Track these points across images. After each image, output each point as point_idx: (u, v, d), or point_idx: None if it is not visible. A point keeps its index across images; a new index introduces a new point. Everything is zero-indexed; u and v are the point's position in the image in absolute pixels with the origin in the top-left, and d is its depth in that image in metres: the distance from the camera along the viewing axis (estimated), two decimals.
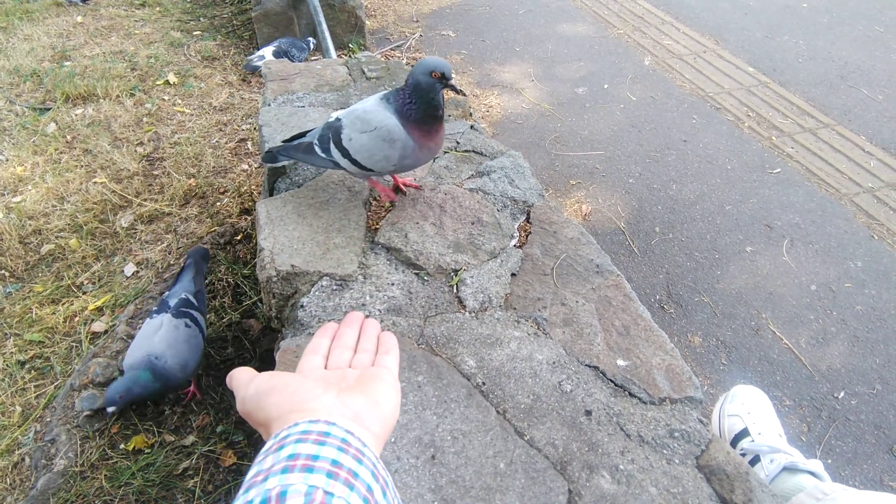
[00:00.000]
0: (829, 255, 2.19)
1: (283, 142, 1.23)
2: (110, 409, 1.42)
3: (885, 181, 2.55)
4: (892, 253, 2.20)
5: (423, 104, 1.02)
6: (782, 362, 1.84)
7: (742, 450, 1.14)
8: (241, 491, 0.41)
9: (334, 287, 1.06)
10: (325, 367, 0.61)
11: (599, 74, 3.34)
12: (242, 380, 0.55)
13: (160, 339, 1.44)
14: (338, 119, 1.11)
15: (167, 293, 1.61)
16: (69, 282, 1.99)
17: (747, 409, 1.23)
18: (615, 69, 3.39)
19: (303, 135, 1.22)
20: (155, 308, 1.57)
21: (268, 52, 3.08)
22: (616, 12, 4.06)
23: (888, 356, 1.86)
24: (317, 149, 1.12)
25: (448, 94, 1.17)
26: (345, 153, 1.08)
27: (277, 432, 0.46)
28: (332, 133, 1.09)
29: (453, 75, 1.01)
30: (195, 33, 3.64)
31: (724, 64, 3.43)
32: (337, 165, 1.12)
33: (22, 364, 1.74)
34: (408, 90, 1.03)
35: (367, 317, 0.69)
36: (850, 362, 1.84)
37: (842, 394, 1.76)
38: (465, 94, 1.04)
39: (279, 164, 1.29)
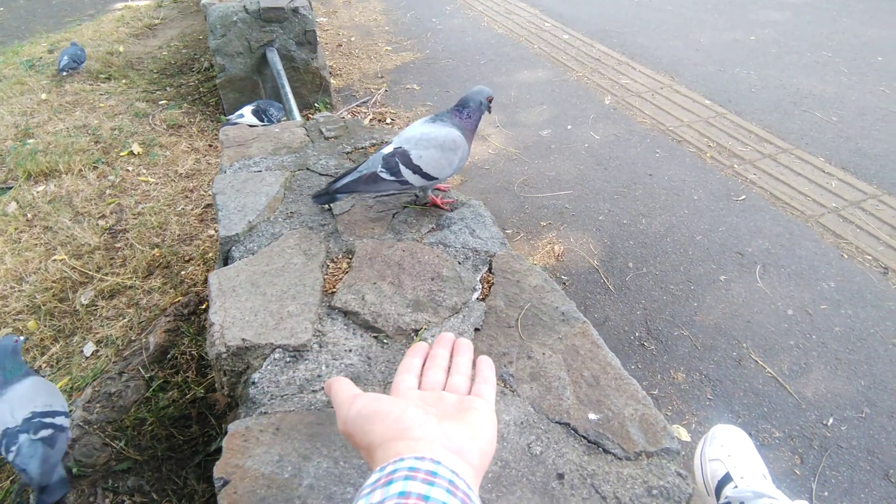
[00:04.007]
0: (801, 278, 2.19)
1: (329, 183, 1.39)
2: None
3: (848, 200, 2.59)
4: (863, 271, 2.21)
5: (476, 119, 1.37)
6: (767, 392, 1.80)
7: (726, 498, 1.08)
8: None
9: (288, 359, 1.01)
10: (420, 387, 0.62)
11: (562, 116, 3.41)
12: (344, 398, 0.56)
13: None
14: (396, 148, 1.31)
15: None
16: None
17: (727, 452, 1.18)
18: (577, 110, 3.46)
19: (345, 174, 1.36)
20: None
21: (247, 111, 3.08)
22: (574, 56, 4.20)
23: (873, 377, 1.83)
24: (384, 175, 1.30)
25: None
26: (416, 170, 1.30)
27: (384, 465, 0.47)
28: (400, 157, 1.30)
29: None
30: (161, 103, 3.66)
31: (681, 98, 3.53)
32: (405, 183, 1.32)
33: None
34: (469, 109, 1.34)
35: (458, 336, 0.69)
36: (835, 386, 1.81)
37: (830, 420, 1.72)
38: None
39: (337, 202, 1.44)
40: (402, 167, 1.29)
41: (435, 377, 0.63)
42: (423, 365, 0.66)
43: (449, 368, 0.66)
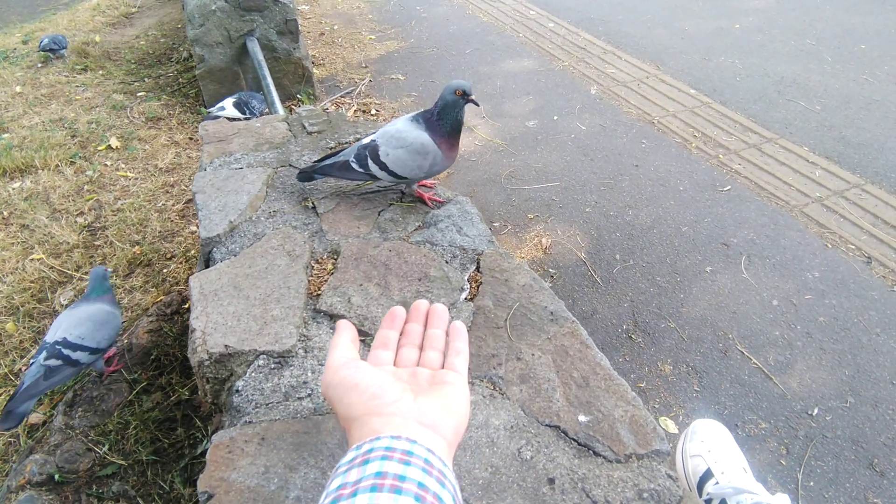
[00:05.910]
0: (786, 269, 2.21)
1: (314, 162, 1.41)
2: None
3: (831, 189, 2.61)
4: (847, 260, 2.23)
5: (449, 120, 1.27)
6: (753, 383, 1.81)
7: (708, 495, 1.09)
8: (328, 502, 0.43)
9: (272, 366, 0.99)
10: (395, 363, 0.63)
11: (548, 107, 3.38)
12: (332, 362, 0.58)
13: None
14: (372, 140, 1.32)
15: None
16: (6, 370, 1.86)
17: (707, 447, 1.19)
18: (563, 101, 3.44)
19: (330, 156, 1.39)
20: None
21: (228, 103, 3.01)
22: (559, 45, 4.16)
23: (857, 367, 1.85)
24: (354, 165, 1.32)
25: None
26: (382, 166, 1.30)
27: (360, 444, 0.48)
28: (370, 151, 1.30)
29: (473, 92, 1.26)
30: (139, 94, 3.57)
31: (666, 88, 3.52)
32: (373, 177, 1.33)
33: None
34: (436, 110, 1.27)
35: (431, 303, 0.70)
36: (819, 377, 1.83)
37: (816, 410, 1.74)
38: (479, 105, 1.32)
39: (315, 181, 1.47)
40: (370, 161, 1.31)
41: (409, 355, 0.64)
42: (400, 337, 0.67)
43: (422, 343, 0.66)
